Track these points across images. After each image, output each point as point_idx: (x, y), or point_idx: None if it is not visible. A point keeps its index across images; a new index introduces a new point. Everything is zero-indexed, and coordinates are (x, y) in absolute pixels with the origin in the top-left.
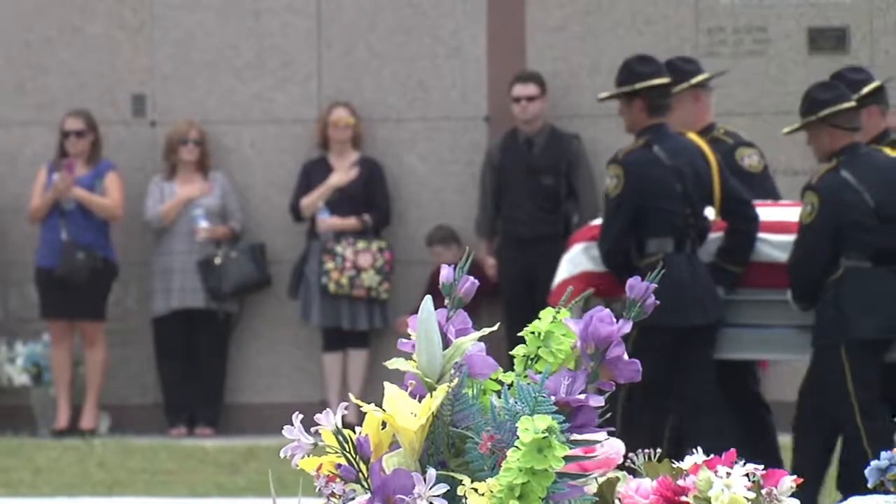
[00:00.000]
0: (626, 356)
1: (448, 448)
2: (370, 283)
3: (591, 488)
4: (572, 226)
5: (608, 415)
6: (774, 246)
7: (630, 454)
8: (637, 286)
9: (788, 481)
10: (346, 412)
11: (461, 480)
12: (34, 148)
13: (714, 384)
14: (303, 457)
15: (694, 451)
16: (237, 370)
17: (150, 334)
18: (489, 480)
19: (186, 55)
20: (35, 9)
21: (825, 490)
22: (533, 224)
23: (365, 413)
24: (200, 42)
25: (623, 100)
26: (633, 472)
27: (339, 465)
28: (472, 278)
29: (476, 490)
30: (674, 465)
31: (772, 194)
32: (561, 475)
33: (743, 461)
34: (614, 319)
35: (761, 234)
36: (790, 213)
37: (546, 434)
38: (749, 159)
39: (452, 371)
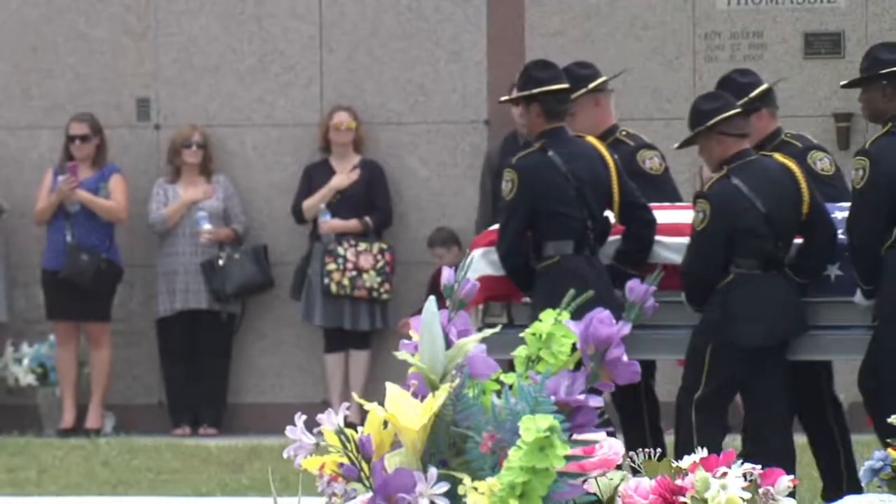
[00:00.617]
0: (625, 357)
1: (449, 447)
2: (371, 284)
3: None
4: None
5: (606, 415)
6: (669, 248)
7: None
8: (637, 288)
9: (785, 481)
10: (348, 412)
11: (462, 479)
12: (40, 151)
13: None
14: (305, 457)
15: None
16: (240, 371)
17: (155, 335)
18: (490, 479)
19: (190, 60)
20: (41, 15)
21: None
22: None
23: (366, 413)
24: (204, 47)
25: (522, 104)
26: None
27: (342, 465)
28: (473, 280)
29: (476, 489)
30: (673, 465)
31: (673, 196)
32: (561, 474)
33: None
34: (614, 321)
35: (657, 237)
36: (685, 215)
37: (548, 433)
38: (651, 161)
39: (454, 372)
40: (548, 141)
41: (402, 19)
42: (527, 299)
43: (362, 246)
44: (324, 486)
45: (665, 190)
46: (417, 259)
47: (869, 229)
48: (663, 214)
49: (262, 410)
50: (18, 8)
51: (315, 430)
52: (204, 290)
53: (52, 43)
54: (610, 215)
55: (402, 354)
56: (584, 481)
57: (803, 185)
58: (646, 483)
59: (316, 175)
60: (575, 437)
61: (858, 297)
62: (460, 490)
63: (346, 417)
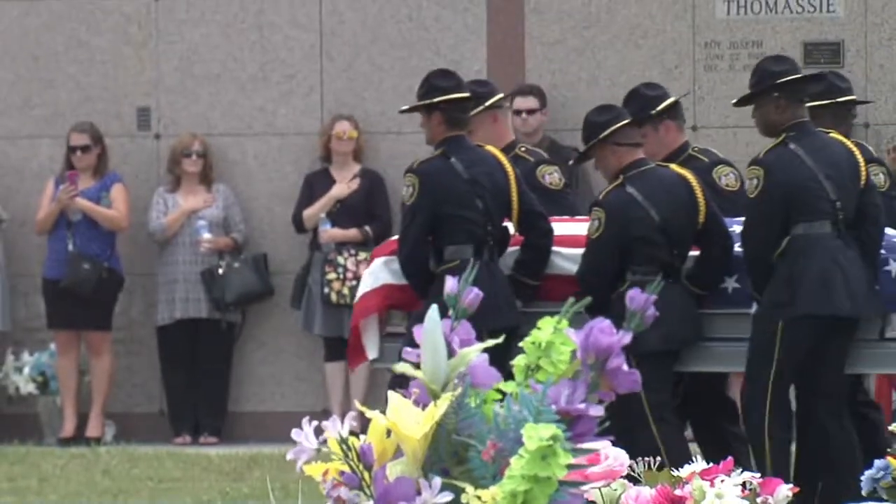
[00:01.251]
0: (625, 367)
1: (451, 456)
2: None
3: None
4: None
5: (606, 423)
6: (567, 259)
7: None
8: (637, 297)
9: (784, 490)
10: (354, 423)
11: (464, 488)
12: (41, 161)
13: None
14: (307, 461)
15: None
16: (240, 379)
17: (155, 344)
18: (492, 488)
19: (190, 69)
20: (42, 24)
21: None
22: None
23: (368, 421)
24: (204, 56)
25: (423, 113)
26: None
27: (343, 473)
28: (475, 290)
29: (479, 497)
30: (673, 474)
31: (571, 211)
32: (563, 483)
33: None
34: (614, 330)
35: (555, 248)
36: (584, 227)
37: (551, 442)
38: (550, 177)
39: (456, 381)
40: (449, 148)
41: (403, 28)
42: None
43: (362, 255)
44: (329, 489)
45: (564, 205)
46: None
47: (763, 240)
48: (562, 226)
49: (263, 419)
50: (19, 17)
51: (319, 439)
52: (204, 298)
53: (52, 52)
54: (509, 226)
55: (401, 367)
56: (586, 491)
57: (699, 194)
58: (646, 492)
59: (316, 184)
60: (578, 446)
61: (755, 308)
62: (463, 499)
63: (351, 428)
